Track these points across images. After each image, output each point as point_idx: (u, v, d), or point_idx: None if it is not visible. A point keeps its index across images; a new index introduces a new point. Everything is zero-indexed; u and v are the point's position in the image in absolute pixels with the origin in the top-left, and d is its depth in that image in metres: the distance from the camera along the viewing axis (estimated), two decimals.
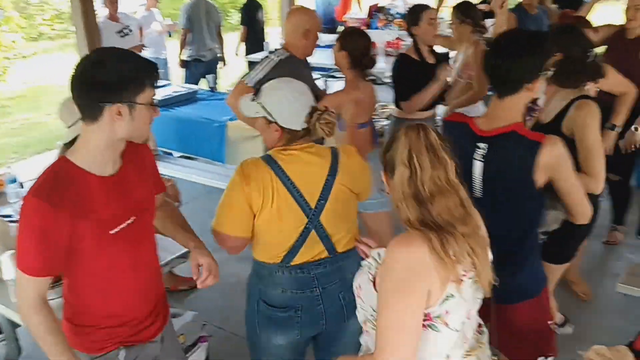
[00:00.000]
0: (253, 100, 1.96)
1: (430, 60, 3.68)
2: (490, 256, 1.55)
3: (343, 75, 3.25)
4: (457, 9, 3.88)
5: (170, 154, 5.08)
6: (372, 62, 3.16)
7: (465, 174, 1.58)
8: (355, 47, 3.07)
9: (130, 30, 6.15)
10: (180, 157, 5.04)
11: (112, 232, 1.70)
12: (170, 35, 7.19)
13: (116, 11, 6.08)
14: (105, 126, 1.61)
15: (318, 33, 3.26)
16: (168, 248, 2.77)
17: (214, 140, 4.69)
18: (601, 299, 3.51)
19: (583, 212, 2.04)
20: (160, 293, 2.00)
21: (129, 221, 1.75)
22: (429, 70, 3.52)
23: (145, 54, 6.89)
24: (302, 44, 3.21)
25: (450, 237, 1.41)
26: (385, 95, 4.48)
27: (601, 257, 4.00)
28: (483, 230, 1.55)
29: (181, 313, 2.87)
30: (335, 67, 3.25)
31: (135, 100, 1.61)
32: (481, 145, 1.96)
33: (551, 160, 1.87)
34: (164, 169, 4.50)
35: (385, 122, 4.75)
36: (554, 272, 2.75)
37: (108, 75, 1.57)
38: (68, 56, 10.76)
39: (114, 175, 1.72)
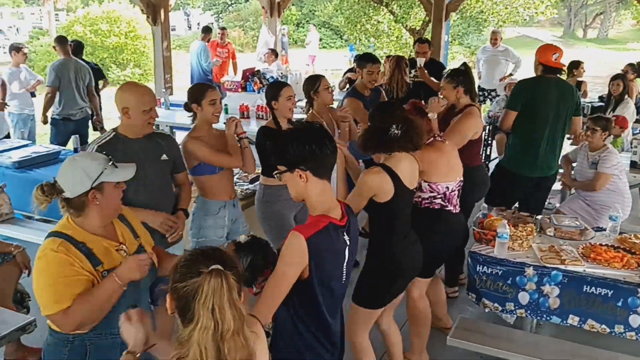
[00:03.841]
0: None
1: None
2: None
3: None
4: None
5: (31, 217, 4.89)
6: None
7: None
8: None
9: None
10: (40, 220, 4.87)
11: None
12: (33, 96, 6.99)
13: None
14: None
15: (143, 111, 3.02)
16: (6, 320, 2.70)
17: None
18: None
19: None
20: None
21: None
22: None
23: (10, 109, 6.67)
24: (124, 123, 3.07)
25: None
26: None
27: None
28: None
29: None
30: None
31: None
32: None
33: None
34: (21, 233, 4.35)
35: (251, 185, 4.91)
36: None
37: None
38: None
39: None
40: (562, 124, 4.41)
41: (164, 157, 3.21)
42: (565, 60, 4.73)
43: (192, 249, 1.69)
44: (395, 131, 2.85)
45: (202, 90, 3.49)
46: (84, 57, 7.79)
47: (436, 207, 3.37)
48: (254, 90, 8.16)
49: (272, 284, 2.09)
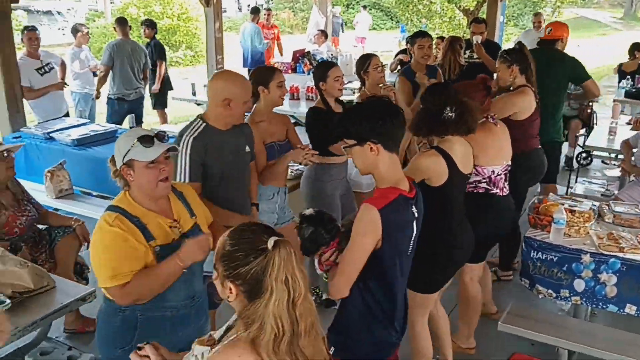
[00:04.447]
0: None
1: (338, 109, 3.91)
2: None
3: None
4: None
5: (90, 193, 5.06)
6: None
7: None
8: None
9: (51, 68, 6.13)
10: (98, 196, 5.03)
11: None
12: (95, 75, 7.23)
13: (36, 49, 6.06)
14: None
15: (244, 102, 2.90)
16: (67, 290, 2.81)
17: None
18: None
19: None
20: None
21: None
22: (337, 119, 3.75)
23: (72, 88, 6.91)
24: (221, 114, 2.89)
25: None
26: (305, 139, 4.67)
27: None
28: None
29: (77, 355, 2.88)
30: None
31: None
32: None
33: None
34: (80, 208, 4.50)
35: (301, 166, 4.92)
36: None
37: None
38: None
39: None
40: (556, 89, 4.58)
41: (247, 148, 3.12)
42: (625, 43, 4.83)
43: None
44: (450, 113, 2.80)
45: (270, 72, 3.45)
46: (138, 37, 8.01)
47: (480, 190, 3.31)
48: (303, 72, 8.18)
49: (348, 256, 2.12)
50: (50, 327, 3.14)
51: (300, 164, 3.65)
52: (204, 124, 2.90)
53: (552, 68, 4.58)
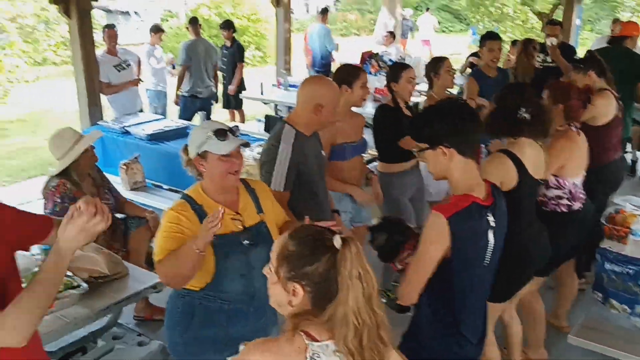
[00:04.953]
0: None
1: (407, 112, 3.88)
2: None
3: None
4: None
5: (161, 186, 5.23)
6: None
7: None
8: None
9: (128, 65, 6.39)
10: (168, 189, 5.19)
11: None
12: (174, 67, 7.49)
13: (115, 46, 6.33)
14: None
15: (335, 109, 2.84)
16: (139, 278, 2.91)
17: None
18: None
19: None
20: None
21: None
22: (406, 120, 3.72)
23: (146, 85, 7.19)
24: (311, 120, 2.83)
25: None
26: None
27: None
28: None
29: (146, 342, 2.98)
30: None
31: None
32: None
33: None
34: (152, 201, 4.67)
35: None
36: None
37: None
38: (70, 83, 11.03)
39: None
40: (624, 87, 4.44)
41: (323, 152, 3.08)
42: None
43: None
44: (524, 114, 2.71)
45: (355, 71, 3.42)
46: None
47: (563, 209, 3.17)
48: (371, 73, 8.12)
49: (415, 264, 2.08)
50: (121, 312, 3.27)
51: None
52: (295, 131, 2.82)
53: (619, 64, 4.45)
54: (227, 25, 7.96)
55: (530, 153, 2.76)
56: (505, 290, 2.88)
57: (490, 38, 4.84)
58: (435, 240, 2.01)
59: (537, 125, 2.74)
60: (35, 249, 2.57)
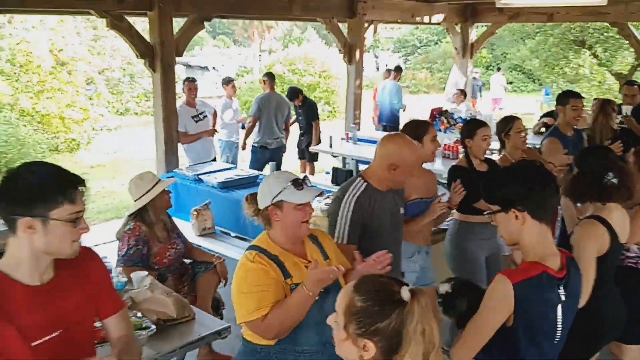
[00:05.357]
0: None
1: (482, 168, 3.81)
2: None
3: None
4: None
5: (228, 233, 5.32)
6: None
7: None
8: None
9: (205, 116, 6.67)
10: (235, 237, 5.28)
11: (34, 344, 1.65)
12: (243, 127, 7.78)
13: (194, 98, 6.64)
14: (23, 239, 1.63)
15: (410, 171, 2.84)
16: (205, 323, 2.94)
17: None
18: None
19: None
20: None
21: (54, 334, 1.69)
22: (480, 177, 3.65)
23: (220, 136, 7.47)
24: (385, 177, 2.85)
25: None
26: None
27: None
28: None
29: None
30: None
31: (48, 215, 1.61)
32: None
33: None
34: (219, 247, 4.75)
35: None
36: None
37: (18, 189, 1.61)
38: (149, 132, 11.63)
39: (42, 286, 1.70)
40: None
41: (402, 210, 3.06)
42: None
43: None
44: (612, 179, 2.62)
45: (424, 126, 3.44)
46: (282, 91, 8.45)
47: None
48: (440, 130, 8.12)
49: (474, 327, 1.98)
50: (185, 357, 3.29)
51: (437, 219, 3.55)
52: (366, 184, 2.86)
53: None
54: (293, 95, 8.07)
55: (617, 217, 2.66)
56: (574, 353, 2.70)
57: (574, 96, 4.74)
58: (499, 306, 1.93)
59: (623, 189, 2.66)
60: None
